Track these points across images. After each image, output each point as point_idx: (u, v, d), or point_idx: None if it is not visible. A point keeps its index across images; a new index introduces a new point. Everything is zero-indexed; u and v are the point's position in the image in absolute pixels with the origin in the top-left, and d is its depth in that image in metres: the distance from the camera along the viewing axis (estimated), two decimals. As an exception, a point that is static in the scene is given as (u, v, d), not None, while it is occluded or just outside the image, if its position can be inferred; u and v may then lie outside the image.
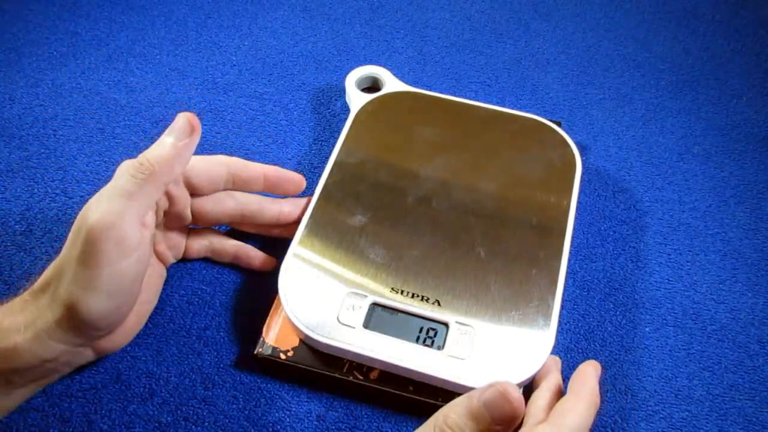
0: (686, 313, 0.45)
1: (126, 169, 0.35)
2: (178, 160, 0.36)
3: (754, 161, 0.53)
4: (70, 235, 0.34)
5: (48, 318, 0.34)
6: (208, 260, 0.46)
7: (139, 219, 0.35)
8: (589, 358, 0.42)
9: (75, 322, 0.34)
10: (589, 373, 0.36)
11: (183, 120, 0.37)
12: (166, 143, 0.36)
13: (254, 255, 0.45)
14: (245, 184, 0.43)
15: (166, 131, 0.37)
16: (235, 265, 0.46)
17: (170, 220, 0.41)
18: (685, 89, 0.59)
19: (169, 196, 0.40)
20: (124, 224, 0.34)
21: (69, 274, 0.33)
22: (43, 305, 0.34)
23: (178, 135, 0.36)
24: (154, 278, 0.41)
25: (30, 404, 0.39)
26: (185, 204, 0.41)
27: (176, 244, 0.43)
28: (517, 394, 0.31)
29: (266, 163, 0.51)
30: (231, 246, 0.45)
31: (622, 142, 0.54)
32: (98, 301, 0.34)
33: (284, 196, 0.45)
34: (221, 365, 0.41)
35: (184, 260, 0.45)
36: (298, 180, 0.44)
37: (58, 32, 0.60)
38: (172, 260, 0.44)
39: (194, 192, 0.41)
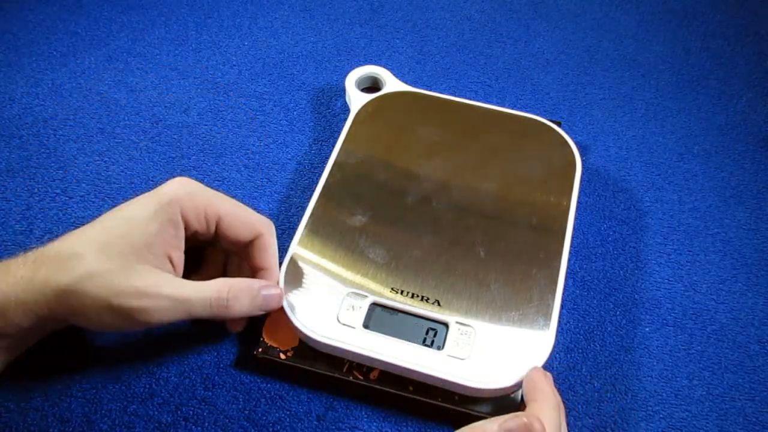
0: (686, 313, 0.45)
1: (210, 300, 0.36)
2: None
3: (754, 161, 0.53)
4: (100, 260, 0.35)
5: (40, 303, 0.34)
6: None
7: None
8: (589, 358, 0.42)
9: (66, 317, 0.35)
10: (538, 377, 0.36)
11: (279, 300, 0.40)
12: (255, 303, 0.38)
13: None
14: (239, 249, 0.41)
15: (266, 294, 0.39)
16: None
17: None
18: (685, 89, 0.58)
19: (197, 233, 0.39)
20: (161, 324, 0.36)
21: (98, 303, 0.34)
22: (44, 293, 0.34)
23: (267, 307, 0.39)
24: None
25: (30, 404, 0.39)
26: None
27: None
28: (540, 427, 0.32)
29: (266, 163, 0.51)
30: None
31: (622, 142, 0.54)
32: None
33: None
34: (221, 365, 0.41)
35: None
36: (277, 298, 0.40)
37: (58, 32, 0.60)
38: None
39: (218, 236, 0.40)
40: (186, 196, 0.37)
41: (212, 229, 0.39)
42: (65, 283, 0.34)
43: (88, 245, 0.35)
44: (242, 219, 0.39)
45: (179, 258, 0.38)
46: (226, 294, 0.37)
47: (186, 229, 0.38)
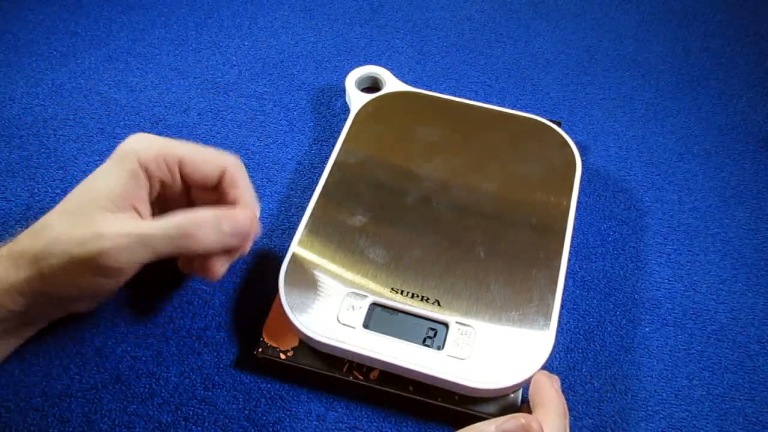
0: (686, 313, 0.45)
1: (171, 231, 0.35)
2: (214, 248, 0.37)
3: (754, 161, 0.53)
4: (75, 229, 0.35)
5: (20, 277, 0.35)
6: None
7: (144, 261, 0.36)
8: (589, 358, 0.42)
9: (50, 294, 0.36)
10: (543, 382, 0.37)
11: (247, 225, 0.38)
12: (220, 232, 0.37)
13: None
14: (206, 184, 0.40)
15: (229, 222, 0.37)
16: (234, 265, 0.45)
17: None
18: (685, 89, 0.58)
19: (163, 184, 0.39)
20: (130, 269, 0.36)
21: (64, 259, 0.34)
22: (21, 265, 0.35)
23: (236, 233, 0.37)
24: None
25: (29, 404, 0.39)
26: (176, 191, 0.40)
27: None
28: (538, 427, 0.31)
29: (266, 163, 0.52)
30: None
31: (622, 142, 0.54)
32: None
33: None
34: (221, 365, 0.41)
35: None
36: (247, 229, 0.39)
37: (58, 32, 0.60)
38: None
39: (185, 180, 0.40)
40: (141, 145, 0.37)
41: (177, 175, 0.38)
42: (37, 251, 0.34)
43: (56, 214, 0.36)
44: (203, 156, 0.39)
45: (146, 210, 0.38)
46: (186, 223, 0.36)
47: (150, 179, 0.38)
